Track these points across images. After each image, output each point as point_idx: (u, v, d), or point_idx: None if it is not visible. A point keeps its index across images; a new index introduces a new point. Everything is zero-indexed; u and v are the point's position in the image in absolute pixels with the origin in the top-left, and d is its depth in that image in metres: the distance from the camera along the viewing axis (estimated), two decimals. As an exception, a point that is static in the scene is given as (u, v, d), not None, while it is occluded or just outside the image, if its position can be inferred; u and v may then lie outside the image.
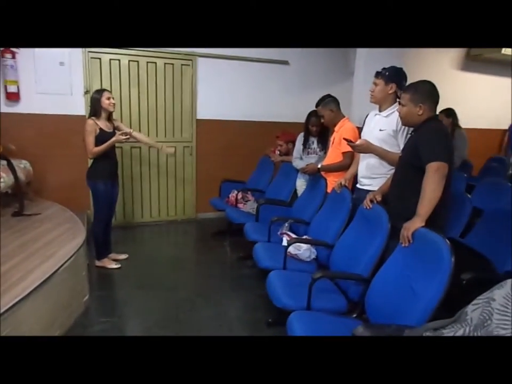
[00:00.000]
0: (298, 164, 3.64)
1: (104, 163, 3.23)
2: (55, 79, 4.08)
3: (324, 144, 3.58)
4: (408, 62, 4.76)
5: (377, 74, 2.58)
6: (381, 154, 2.53)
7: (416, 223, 1.92)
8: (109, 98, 3.17)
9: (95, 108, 3.16)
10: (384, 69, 2.58)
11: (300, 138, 3.73)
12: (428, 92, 2.16)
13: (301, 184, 3.69)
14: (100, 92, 3.19)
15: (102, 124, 3.18)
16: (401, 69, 2.58)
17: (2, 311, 1.83)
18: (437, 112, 4.27)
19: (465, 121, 4.71)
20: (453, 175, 2.18)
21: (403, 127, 2.44)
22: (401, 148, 2.45)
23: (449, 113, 4.46)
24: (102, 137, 3.14)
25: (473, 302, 1.48)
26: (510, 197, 3.20)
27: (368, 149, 2.56)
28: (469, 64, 5.74)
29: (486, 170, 4.91)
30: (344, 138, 2.71)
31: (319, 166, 3.21)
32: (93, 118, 3.15)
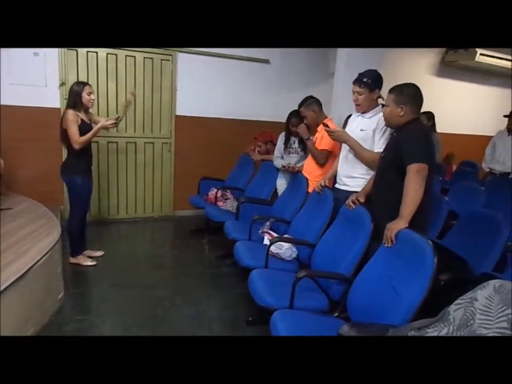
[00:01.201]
0: (279, 162, 3.65)
1: (81, 157, 3.13)
2: (28, 70, 3.93)
3: (305, 144, 3.59)
4: (387, 65, 4.87)
5: (359, 83, 2.50)
6: (354, 146, 2.54)
7: (400, 224, 1.95)
8: (89, 94, 3.08)
9: (75, 100, 3.05)
10: (361, 74, 2.53)
11: (281, 138, 3.74)
12: (411, 94, 2.20)
13: (281, 183, 3.71)
14: (81, 84, 3.09)
15: (82, 115, 3.10)
16: (376, 71, 2.57)
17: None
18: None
19: (438, 125, 4.84)
20: (433, 178, 2.24)
21: (381, 126, 2.47)
22: (376, 147, 2.50)
23: (430, 116, 4.57)
24: (84, 128, 3.05)
25: (455, 302, 1.52)
26: (484, 200, 3.33)
27: (342, 137, 2.60)
28: (444, 70, 5.91)
29: (458, 174, 5.06)
30: (322, 123, 2.75)
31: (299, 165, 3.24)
32: (72, 109, 3.04)
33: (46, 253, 2.45)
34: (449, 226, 2.87)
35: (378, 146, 2.46)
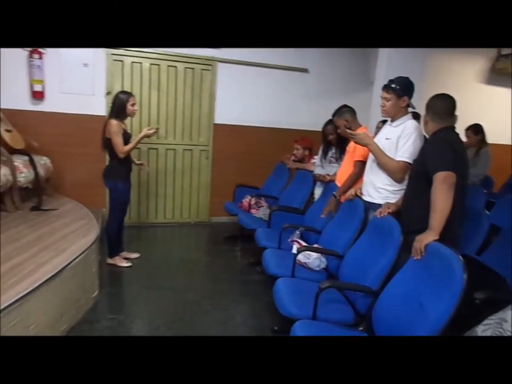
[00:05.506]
0: (319, 172, 3.60)
1: (123, 162, 3.26)
2: (78, 80, 4.18)
3: (342, 154, 3.53)
4: (430, 73, 4.71)
5: (387, 89, 2.46)
6: (375, 151, 2.49)
7: (430, 236, 1.88)
8: (133, 105, 3.21)
9: (119, 110, 3.18)
10: (391, 81, 2.48)
11: (322, 147, 3.71)
12: (437, 102, 2.19)
13: (319, 193, 3.64)
14: (127, 95, 3.22)
15: (123, 125, 3.25)
16: (407, 78, 2.50)
17: (11, 301, 1.86)
18: (464, 128, 4.18)
19: (488, 136, 4.60)
20: (465, 187, 2.14)
21: (405, 134, 2.41)
22: (397, 155, 2.43)
23: (478, 129, 4.34)
24: (125, 137, 3.21)
25: (484, 322, 1.44)
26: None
27: (364, 140, 2.55)
28: (494, 78, 5.62)
29: (508, 187, 4.77)
30: (345, 126, 2.69)
31: (334, 193, 3.14)
32: (116, 119, 3.17)
33: (82, 252, 2.58)
34: (491, 241, 2.72)
35: (400, 154, 2.39)
